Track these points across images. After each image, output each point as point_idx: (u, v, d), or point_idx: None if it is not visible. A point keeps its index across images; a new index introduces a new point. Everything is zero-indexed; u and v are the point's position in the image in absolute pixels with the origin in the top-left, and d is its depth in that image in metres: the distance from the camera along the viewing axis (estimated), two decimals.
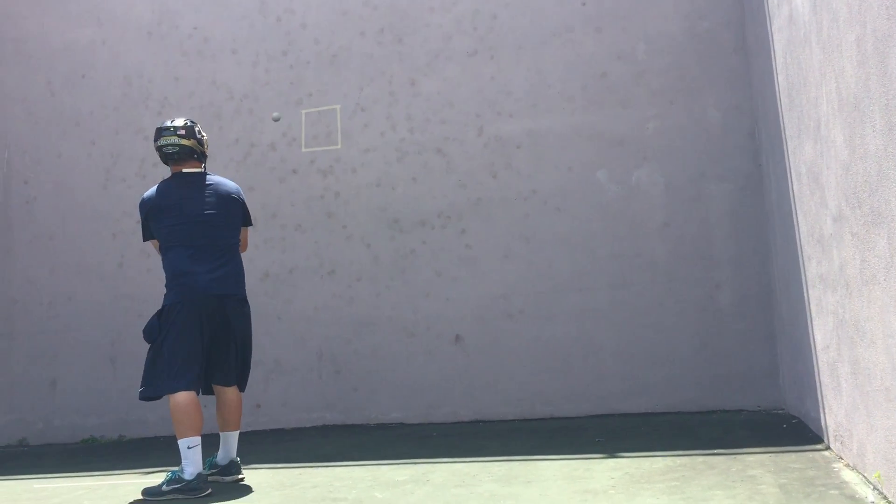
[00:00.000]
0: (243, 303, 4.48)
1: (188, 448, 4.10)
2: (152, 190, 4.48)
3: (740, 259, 5.66)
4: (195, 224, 4.35)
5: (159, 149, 4.48)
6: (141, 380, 4.30)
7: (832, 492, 3.25)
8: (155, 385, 4.22)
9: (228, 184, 4.58)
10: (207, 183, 4.47)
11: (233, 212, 4.50)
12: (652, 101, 5.86)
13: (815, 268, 4.00)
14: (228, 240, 4.46)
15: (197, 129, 4.52)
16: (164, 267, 4.39)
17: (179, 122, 4.51)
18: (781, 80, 4.51)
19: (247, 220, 4.62)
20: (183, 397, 4.15)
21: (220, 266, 4.35)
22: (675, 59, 5.85)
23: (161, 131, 4.48)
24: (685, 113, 5.81)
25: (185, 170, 4.48)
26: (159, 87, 6.68)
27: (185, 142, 4.44)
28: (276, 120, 4.57)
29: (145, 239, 4.54)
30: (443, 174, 6.16)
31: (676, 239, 5.76)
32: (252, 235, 6.25)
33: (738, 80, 5.73)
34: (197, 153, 4.50)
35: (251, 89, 6.52)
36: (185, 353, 4.20)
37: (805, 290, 4.28)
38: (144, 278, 6.44)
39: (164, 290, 4.38)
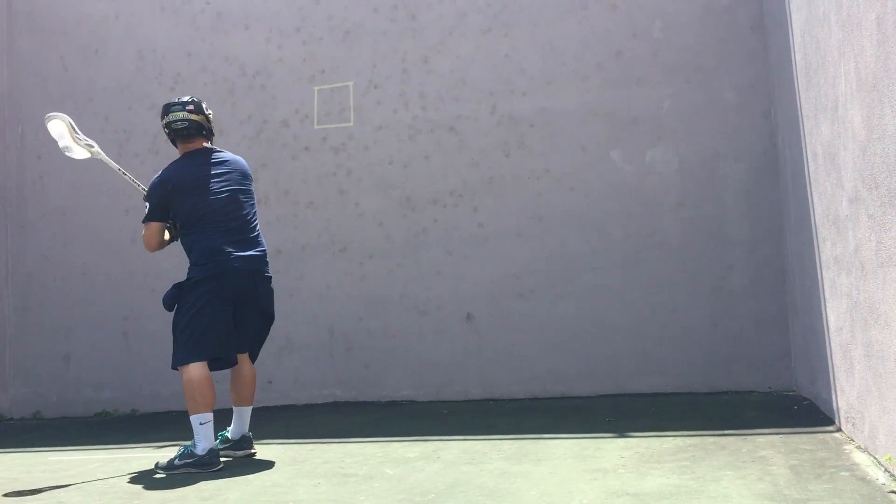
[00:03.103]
0: (270, 280, 4.49)
1: (200, 424, 4.12)
2: (169, 170, 4.39)
3: (754, 240, 5.63)
4: (226, 202, 4.33)
5: (168, 125, 4.42)
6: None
7: (843, 473, 3.25)
8: (175, 357, 4.24)
9: (240, 159, 4.58)
10: (224, 159, 4.46)
11: (252, 188, 4.52)
12: (667, 79, 5.81)
13: (829, 249, 3.98)
14: (255, 217, 4.46)
15: (204, 105, 4.50)
16: (191, 244, 4.34)
17: (186, 98, 4.49)
18: (799, 59, 4.45)
19: None
20: (197, 373, 4.15)
21: (252, 245, 4.34)
22: (692, 37, 5.78)
23: (169, 107, 4.43)
24: (700, 92, 5.76)
25: (194, 148, 4.45)
26: (172, 62, 6.66)
27: (194, 117, 4.40)
28: None
29: (152, 220, 4.37)
30: (455, 152, 6.13)
31: (690, 219, 5.73)
32: (264, 212, 6.28)
33: (754, 58, 5.67)
34: (205, 129, 4.47)
35: (264, 65, 6.50)
36: (203, 329, 4.19)
37: (819, 271, 4.25)
38: (157, 254, 6.40)
39: (183, 266, 4.38)
